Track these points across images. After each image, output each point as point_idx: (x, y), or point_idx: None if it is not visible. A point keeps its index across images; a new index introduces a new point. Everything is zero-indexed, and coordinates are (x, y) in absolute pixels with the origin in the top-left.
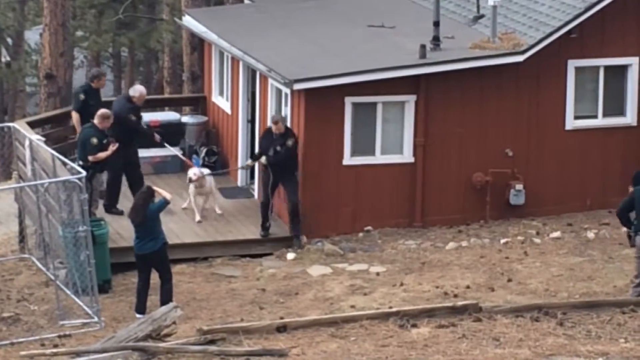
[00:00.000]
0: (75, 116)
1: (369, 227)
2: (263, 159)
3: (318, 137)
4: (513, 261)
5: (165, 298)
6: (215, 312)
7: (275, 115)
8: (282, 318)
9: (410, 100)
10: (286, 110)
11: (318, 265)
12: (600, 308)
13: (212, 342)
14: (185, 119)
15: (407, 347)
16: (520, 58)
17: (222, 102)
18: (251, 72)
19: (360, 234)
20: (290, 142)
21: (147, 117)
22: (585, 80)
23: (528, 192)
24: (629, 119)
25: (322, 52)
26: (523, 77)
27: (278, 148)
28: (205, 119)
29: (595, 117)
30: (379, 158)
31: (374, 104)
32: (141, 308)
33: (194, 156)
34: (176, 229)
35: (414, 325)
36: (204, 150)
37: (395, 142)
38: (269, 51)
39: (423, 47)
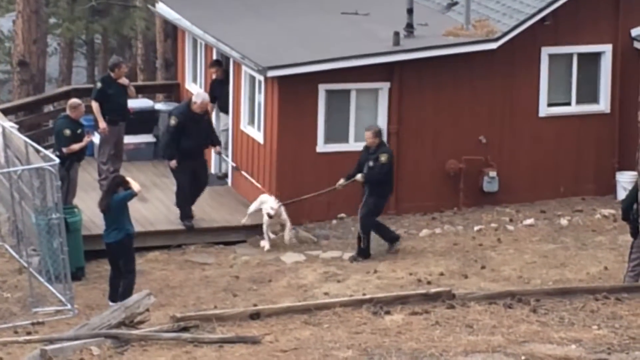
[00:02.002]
0: (94, 105)
1: (343, 215)
2: (359, 177)
3: (291, 125)
4: (486, 248)
5: (123, 291)
6: (189, 299)
7: (371, 126)
8: (255, 305)
9: (383, 87)
10: (260, 98)
11: (292, 253)
12: (573, 295)
13: (185, 329)
14: (158, 106)
15: (381, 334)
16: (493, 45)
17: (195, 89)
18: (225, 59)
19: (334, 221)
20: (383, 158)
21: None
22: (559, 68)
23: (501, 180)
24: (603, 106)
25: (295, 40)
26: (497, 64)
27: (371, 163)
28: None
29: (569, 104)
30: (352, 145)
31: (348, 92)
32: (114, 296)
33: None
34: (150, 217)
35: (388, 312)
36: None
37: None
38: (242, 38)
39: (397, 34)
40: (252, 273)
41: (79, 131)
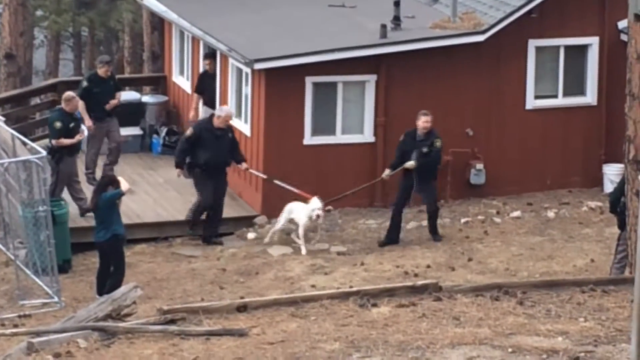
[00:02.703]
0: (79, 103)
1: (330, 207)
2: (410, 164)
3: (278, 117)
4: (473, 240)
5: (109, 289)
6: (176, 291)
7: (425, 112)
8: (242, 298)
9: (370, 80)
10: (247, 90)
11: (279, 245)
12: (560, 287)
13: (172, 321)
14: (145, 98)
15: (368, 326)
16: (480, 38)
17: (182, 81)
18: (212, 52)
19: None
20: (438, 143)
21: None
22: (546, 60)
23: (488, 172)
24: (589, 98)
25: (282, 32)
26: (484, 56)
27: (425, 149)
28: (165, 98)
29: (556, 96)
30: (339, 138)
31: (335, 84)
32: (101, 291)
33: (155, 136)
34: (137, 209)
35: (374, 305)
36: (164, 130)
37: (355, 121)
38: (229, 31)
39: (384, 26)
40: (239, 265)
41: (71, 125)
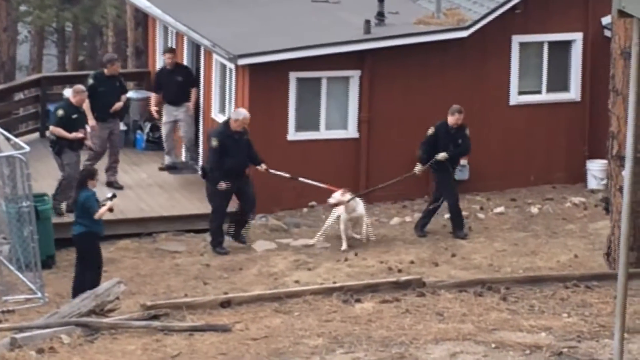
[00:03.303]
0: (85, 103)
1: (314, 203)
2: (441, 156)
3: (262, 113)
4: (457, 236)
5: (75, 285)
6: (159, 287)
7: (457, 106)
8: (226, 293)
9: (354, 75)
10: (231, 86)
11: (262, 241)
12: (544, 283)
13: (155, 317)
14: (129, 94)
15: (351, 322)
16: (464, 34)
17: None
18: (195, 48)
19: (305, 210)
20: (468, 131)
21: None
22: (530, 56)
23: (472, 168)
24: (573, 94)
25: (266, 28)
26: (467, 52)
27: (460, 141)
28: (149, 94)
29: (540, 92)
30: (323, 133)
31: (319, 79)
32: (76, 294)
33: (138, 131)
34: (120, 204)
35: (358, 300)
36: (148, 126)
37: (339, 117)
38: (213, 26)
39: (367, 22)
40: (223, 261)
41: (74, 116)
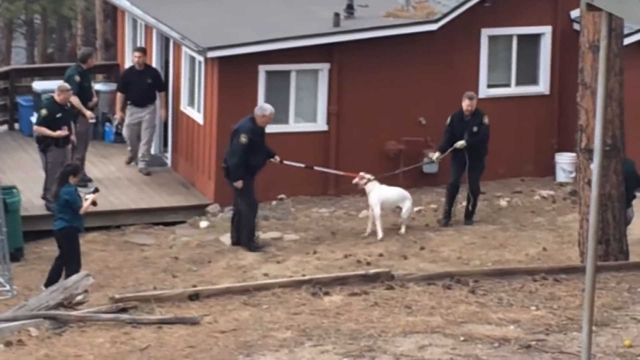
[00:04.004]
0: (75, 100)
1: (283, 196)
2: (459, 144)
3: (232, 105)
4: (426, 229)
5: (50, 275)
6: (128, 280)
7: (469, 93)
8: (194, 286)
9: (323, 68)
10: (200, 78)
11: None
12: (512, 276)
13: (124, 310)
14: (98, 86)
15: (320, 314)
16: (433, 27)
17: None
18: (165, 40)
19: (274, 202)
20: (486, 120)
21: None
22: (499, 49)
23: (441, 161)
24: (542, 87)
25: (236, 20)
26: (437, 45)
27: (475, 129)
28: None
29: (509, 86)
30: (292, 126)
31: (288, 72)
32: (50, 284)
33: (107, 124)
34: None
35: (327, 293)
36: (117, 119)
37: (309, 110)
38: (182, 19)
39: (337, 15)
40: (192, 254)
41: (58, 115)
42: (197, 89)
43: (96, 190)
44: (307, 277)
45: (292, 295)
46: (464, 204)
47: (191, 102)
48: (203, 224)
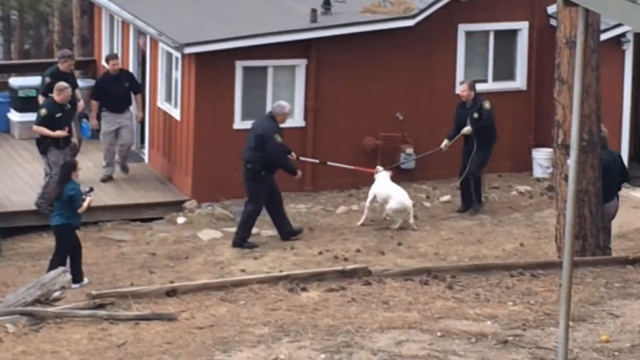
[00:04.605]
0: (41, 100)
1: None
2: (466, 129)
3: (209, 101)
4: (403, 225)
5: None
6: (105, 276)
7: (466, 80)
8: (172, 282)
9: (301, 64)
10: (177, 74)
11: (208, 229)
12: (489, 271)
13: (101, 306)
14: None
15: (297, 310)
16: (410, 22)
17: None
18: (142, 36)
19: None
20: (487, 105)
21: (38, 81)
22: (476, 45)
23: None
24: (519, 83)
25: (213, 16)
26: (414, 41)
27: (476, 115)
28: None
29: (486, 81)
30: None
31: (265, 68)
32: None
33: (84, 119)
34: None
35: (304, 289)
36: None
37: None
38: (159, 15)
39: (314, 11)
40: (169, 250)
41: (57, 115)
42: (174, 85)
43: (91, 190)
44: (284, 273)
45: (269, 291)
46: (443, 199)
47: (168, 98)
48: (180, 220)
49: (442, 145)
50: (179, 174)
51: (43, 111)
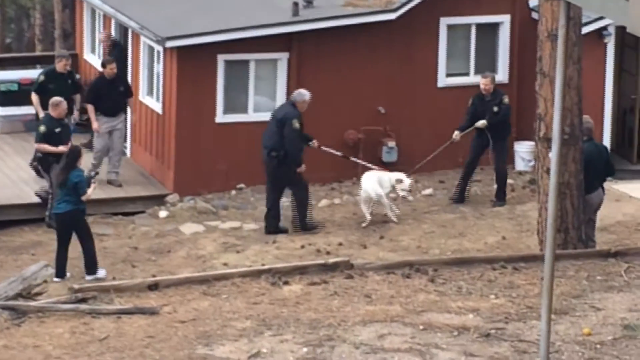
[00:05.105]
0: (34, 98)
1: (242, 185)
2: (480, 123)
3: (191, 95)
4: (385, 218)
5: (85, 261)
6: None
7: (486, 73)
8: (154, 276)
9: (282, 58)
10: (158, 68)
11: (191, 223)
12: (471, 264)
13: (83, 300)
14: None
15: (279, 304)
16: (392, 16)
17: (94, 59)
18: (123, 30)
19: (233, 192)
20: (506, 100)
21: (19, 74)
22: (458, 38)
23: (400, 150)
24: (501, 76)
25: (195, 10)
26: (396, 35)
27: (495, 109)
28: (77, 76)
29: (467, 74)
30: (251, 116)
31: (247, 62)
32: (59, 273)
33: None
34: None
35: (286, 283)
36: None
37: (267, 99)
38: (141, 8)
39: (296, 4)
40: (151, 244)
41: (57, 130)
42: (156, 78)
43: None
44: (266, 267)
45: (251, 285)
46: (425, 192)
47: (150, 92)
48: (162, 213)
49: (454, 136)
50: (161, 167)
51: (42, 128)
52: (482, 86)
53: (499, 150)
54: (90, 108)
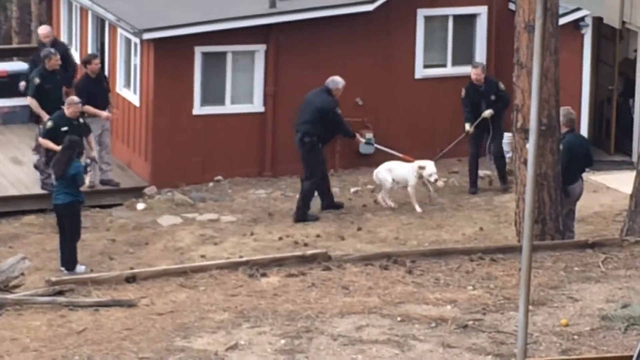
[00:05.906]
0: (31, 102)
1: (219, 177)
2: (487, 113)
3: (168, 87)
4: (363, 210)
5: (67, 254)
6: None
7: (476, 62)
8: (131, 268)
9: (260, 49)
10: (135, 60)
11: (168, 215)
12: (449, 256)
13: (60, 293)
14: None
15: (257, 296)
16: (370, 7)
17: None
18: (100, 22)
19: (211, 184)
20: (502, 86)
21: None
22: (435, 30)
23: (378, 141)
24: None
25: (172, 2)
26: (373, 26)
27: (492, 97)
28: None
29: (445, 66)
30: (229, 108)
31: (224, 54)
32: (63, 262)
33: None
34: (25, 180)
35: (264, 275)
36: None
37: (245, 91)
38: (118, 1)
39: None
40: (129, 236)
41: (63, 128)
42: (133, 70)
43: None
44: (244, 259)
45: (229, 277)
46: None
47: (127, 84)
48: (140, 206)
49: (467, 128)
50: (138, 160)
51: (49, 123)
52: (473, 76)
53: (498, 136)
54: (88, 108)
